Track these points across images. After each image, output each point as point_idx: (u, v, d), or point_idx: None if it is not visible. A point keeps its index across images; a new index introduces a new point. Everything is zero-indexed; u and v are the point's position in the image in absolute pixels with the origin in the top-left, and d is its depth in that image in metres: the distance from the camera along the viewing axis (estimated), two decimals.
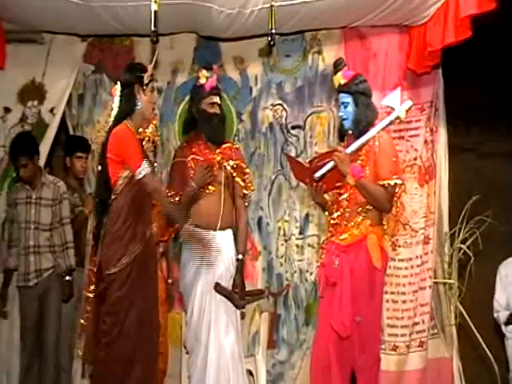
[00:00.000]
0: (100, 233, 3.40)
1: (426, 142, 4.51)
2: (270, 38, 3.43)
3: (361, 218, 3.36)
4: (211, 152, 3.74)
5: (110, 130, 3.39)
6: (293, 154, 4.61)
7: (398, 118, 3.50)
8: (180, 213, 3.52)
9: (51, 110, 4.73)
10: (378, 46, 4.59)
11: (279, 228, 4.81)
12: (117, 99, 3.40)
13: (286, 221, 4.77)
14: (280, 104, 4.78)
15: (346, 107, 3.46)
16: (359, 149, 3.40)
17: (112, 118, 3.41)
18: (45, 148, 4.65)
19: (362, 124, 3.40)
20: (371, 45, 4.60)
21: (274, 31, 3.44)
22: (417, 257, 4.47)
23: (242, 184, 3.81)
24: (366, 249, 3.31)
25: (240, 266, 3.73)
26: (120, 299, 3.30)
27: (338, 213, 3.40)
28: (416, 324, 4.46)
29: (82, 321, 3.90)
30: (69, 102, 4.80)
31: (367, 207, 3.37)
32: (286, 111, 4.76)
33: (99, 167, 3.46)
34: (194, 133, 3.84)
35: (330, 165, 3.38)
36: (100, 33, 4.71)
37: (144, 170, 3.28)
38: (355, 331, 3.33)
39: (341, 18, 4.42)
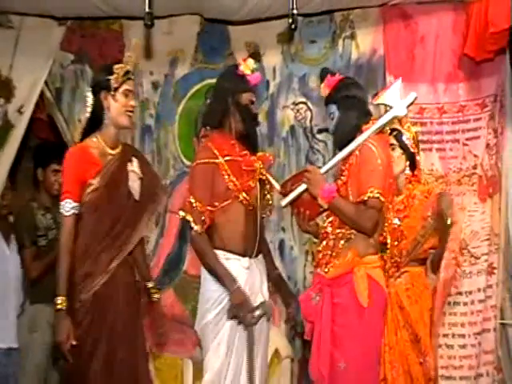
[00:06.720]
0: None
1: (488, 146, 4.13)
2: (290, 20, 3.27)
3: (341, 244, 3.11)
4: (250, 155, 3.29)
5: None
6: (319, 164, 4.26)
7: (395, 117, 3.21)
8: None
9: (19, 109, 4.27)
10: (426, 27, 4.22)
11: (306, 252, 4.39)
12: (88, 109, 3.17)
13: (316, 243, 4.29)
14: (303, 102, 4.40)
15: (333, 119, 3.21)
16: (343, 163, 3.13)
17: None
18: (9, 155, 4.20)
19: (345, 131, 3.14)
20: (418, 26, 4.23)
21: (295, 11, 3.27)
22: (479, 290, 4.03)
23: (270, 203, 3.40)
24: (352, 284, 3.06)
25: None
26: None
27: (325, 241, 3.17)
28: (480, 376, 3.98)
29: None
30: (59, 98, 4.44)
31: (349, 232, 3.12)
32: (311, 111, 4.38)
33: None
34: (218, 130, 3.32)
35: (300, 189, 3.16)
36: (82, 15, 4.34)
37: (65, 208, 2.99)
38: (340, 380, 3.02)
39: None
